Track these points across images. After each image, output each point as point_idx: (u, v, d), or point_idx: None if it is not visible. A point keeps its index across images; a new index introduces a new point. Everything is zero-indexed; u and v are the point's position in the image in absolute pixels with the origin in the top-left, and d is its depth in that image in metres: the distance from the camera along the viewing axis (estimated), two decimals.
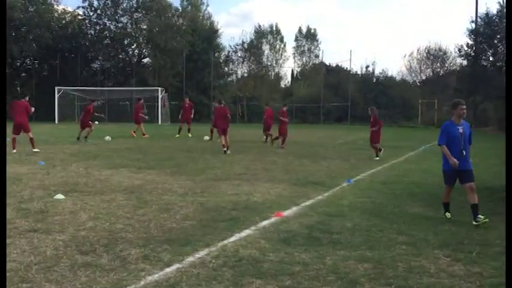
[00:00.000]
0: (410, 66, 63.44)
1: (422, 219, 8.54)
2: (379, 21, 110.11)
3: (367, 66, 62.31)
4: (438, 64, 61.69)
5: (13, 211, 8.52)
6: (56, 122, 47.09)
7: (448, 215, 8.71)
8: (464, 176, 8.42)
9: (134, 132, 28.26)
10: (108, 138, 25.13)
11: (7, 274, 5.45)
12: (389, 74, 63.23)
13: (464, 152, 8.39)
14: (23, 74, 58.35)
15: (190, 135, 28.35)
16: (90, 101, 26.80)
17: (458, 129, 8.42)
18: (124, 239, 6.97)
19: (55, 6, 57.43)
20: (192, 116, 29.50)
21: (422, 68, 63.09)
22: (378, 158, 18.25)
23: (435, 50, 60.92)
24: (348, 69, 62.68)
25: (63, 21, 57.92)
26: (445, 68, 60.84)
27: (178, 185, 11.68)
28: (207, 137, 26.29)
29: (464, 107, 8.52)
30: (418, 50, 65.96)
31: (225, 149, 19.28)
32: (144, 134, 27.89)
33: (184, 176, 13.07)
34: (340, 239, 7.15)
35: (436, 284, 5.46)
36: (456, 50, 51.64)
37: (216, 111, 21.15)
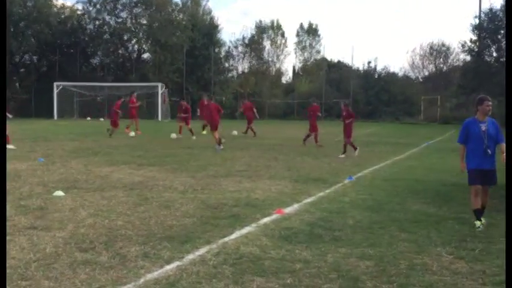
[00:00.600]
0: (413, 62, 63.52)
1: (425, 217, 8.48)
2: (381, 17, 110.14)
3: (369, 62, 62.25)
4: (441, 60, 61.71)
5: (12, 208, 8.47)
6: (55, 118, 47.05)
7: (477, 223, 7.76)
8: (486, 176, 7.90)
9: (127, 127, 28.11)
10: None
11: (6, 272, 5.41)
12: (392, 70, 63.37)
13: (489, 151, 7.83)
14: (22, 70, 58.27)
15: (204, 132, 28.17)
16: (117, 98, 27.31)
17: (480, 126, 7.90)
18: (124, 236, 6.92)
19: (54, 1, 57.34)
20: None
21: (425, 64, 63.15)
22: (343, 156, 17.56)
23: (438, 45, 60.94)
24: (350, 65, 62.68)
25: (62, 16, 57.80)
26: (448, 64, 60.83)
27: (179, 181, 11.64)
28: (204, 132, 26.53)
29: (490, 103, 7.97)
30: (420, 45, 66.17)
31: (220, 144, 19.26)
32: (137, 130, 27.81)
33: (185, 173, 13.03)
34: (342, 236, 7.11)
35: (439, 282, 5.41)
36: (459, 45, 51.58)
37: (211, 106, 20.78)
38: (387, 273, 5.65)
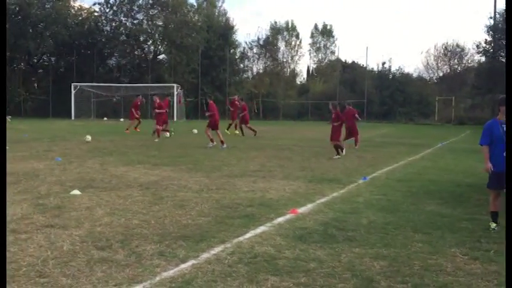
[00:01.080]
0: (427, 63, 63.18)
1: (439, 217, 8.46)
2: (395, 17, 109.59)
3: (384, 63, 62.18)
4: (456, 61, 61.30)
5: (30, 206, 8.60)
6: (73, 118, 47.44)
7: (493, 225, 7.72)
8: (504, 179, 7.39)
9: (136, 128, 28.27)
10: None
11: (24, 269, 5.51)
12: (406, 70, 63.14)
13: (504, 153, 7.41)
14: (40, 71, 58.87)
15: (237, 132, 28.22)
16: (135, 96, 27.39)
17: (502, 127, 7.57)
18: (140, 234, 7.00)
19: (71, 3, 57.90)
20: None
21: (439, 64, 62.77)
22: (338, 157, 17.18)
23: (453, 46, 60.53)
24: (364, 65, 62.49)
25: (80, 18, 58.36)
26: (463, 65, 60.41)
27: (194, 181, 11.71)
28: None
29: None
30: (435, 46, 65.76)
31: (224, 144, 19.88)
32: (127, 129, 27.92)
33: (199, 173, 13.10)
34: (356, 236, 7.12)
35: (453, 282, 5.41)
36: (474, 46, 51.21)
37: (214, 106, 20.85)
38: (401, 273, 5.66)
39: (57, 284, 5.12)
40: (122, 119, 30.27)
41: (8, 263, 5.68)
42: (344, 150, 17.98)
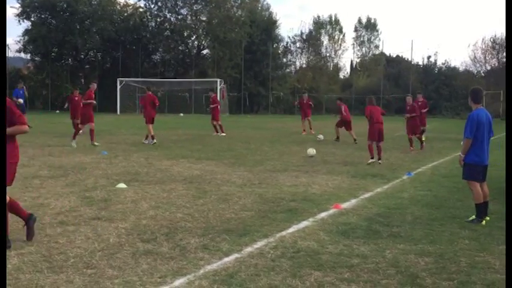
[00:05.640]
0: (475, 57, 61.61)
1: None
2: (441, 10, 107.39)
3: (429, 57, 60.90)
4: (504, 54, 59.58)
5: (78, 199, 8.80)
6: (118, 112, 48.24)
7: (487, 218, 7.77)
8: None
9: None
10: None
11: (72, 260, 5.65)
12: (452, 64, 61.62)
13: None
14: (87, 66, 60.00)
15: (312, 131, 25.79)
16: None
17: None
18: (184, 228, 7.08)
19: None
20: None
21: (487, 58, 61.15)
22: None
23: (501, 39, 58.83)
24: (409, 59, 61.46)
25: (125, 14, 59.19)
26: None
27: (237, 175, 11.76)
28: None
29: None
30: (483, 39, 64.08)
31: (153, 139, 18.69)
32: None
33: (242, 167, 13.15)
34: (400, 232, 7.03)
35: (501, 281, 5.27)
36: None
37: (147, 98, 19.93)
38: (447, 270, 5.56)
39: (104, 275, 5.23)
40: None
41: (57, 254, 5.85)
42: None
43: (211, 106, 25.00)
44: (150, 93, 20.40)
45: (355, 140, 20.24)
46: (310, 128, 25.91)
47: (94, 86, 19.41)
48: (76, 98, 21.37)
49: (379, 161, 14.52)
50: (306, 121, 26.16)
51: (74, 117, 20.94)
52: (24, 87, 27.78)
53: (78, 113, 19.78)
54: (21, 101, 24.43)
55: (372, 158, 14.41)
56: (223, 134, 23.39)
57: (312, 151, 15.80)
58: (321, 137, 21.88)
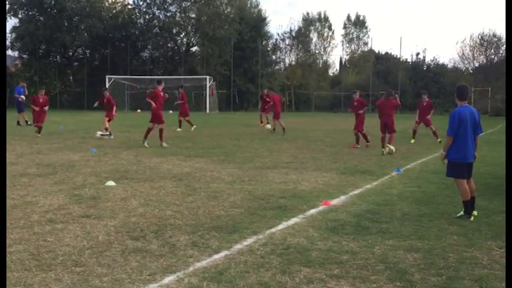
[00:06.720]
0: (463, 53, 61.98)
1: (475, 210, 8.31)
2: (430, 7, 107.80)
3: (418, 54, 61.26)
4: (492, 51, 60.01)
5: (66, 197, 8.76)
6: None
7: (475, 213, 7.87)
8: None
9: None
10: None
11: (60, 258, 5.62)
12: (441, 61, 61.98)
13: None
14: (75, 63, 59.81)
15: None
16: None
17: None
18: (173, 225, 7.06)
19: None
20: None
21: (475, 55, 61.52)
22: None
23: (489, 36, 59.24)
24: (398, 56, 61.74)
25: (114, 11, 59.03)
26: (500, 55, 59.04)
27: (226, 173, 11.76)
28: (268, 126, 25.29)
29: None
30: (471, 36, 64.54)
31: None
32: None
33: (232, 164, 13.14)
34: (389, 229, 7.05)
35: (489, 275, 5.32)
36: None
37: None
38: (436, 265, 5.59)
39: (93, 273, 5.21)
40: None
41: (45, 252, 5.81)
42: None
43: (179, 102, 25.30)
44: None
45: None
46: (261, 122, 27.35)
47: (162, 85, 18.64)
48: (41, 100, 20.45)
49: (382, 149, 15.79)
50: (263, 115, 27.43)
51: (38, 121, 20.11)
52: (25, 85, 28.09)
53: (41, 116, 19.63)
54: (23, 97, 24.58)
55: (383, 148, 15.71)
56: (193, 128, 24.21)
57: (268, 126, 22.93)
58: (268, 126, 24.87)
